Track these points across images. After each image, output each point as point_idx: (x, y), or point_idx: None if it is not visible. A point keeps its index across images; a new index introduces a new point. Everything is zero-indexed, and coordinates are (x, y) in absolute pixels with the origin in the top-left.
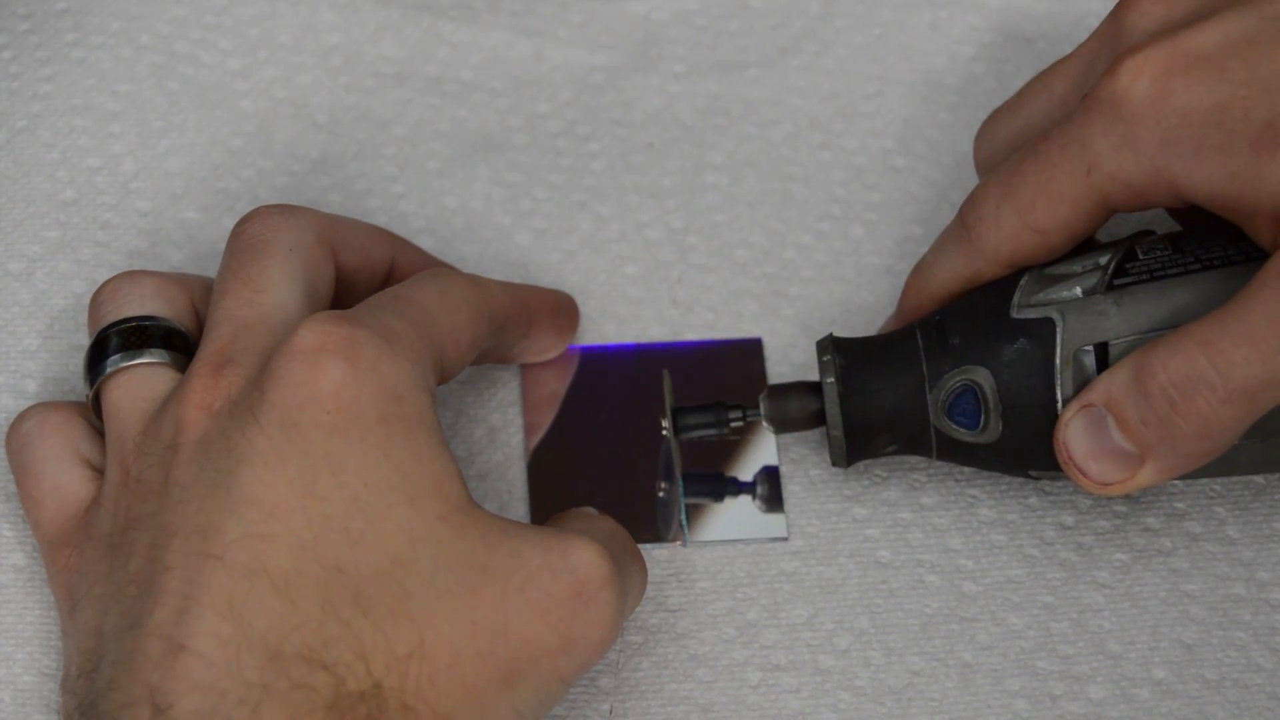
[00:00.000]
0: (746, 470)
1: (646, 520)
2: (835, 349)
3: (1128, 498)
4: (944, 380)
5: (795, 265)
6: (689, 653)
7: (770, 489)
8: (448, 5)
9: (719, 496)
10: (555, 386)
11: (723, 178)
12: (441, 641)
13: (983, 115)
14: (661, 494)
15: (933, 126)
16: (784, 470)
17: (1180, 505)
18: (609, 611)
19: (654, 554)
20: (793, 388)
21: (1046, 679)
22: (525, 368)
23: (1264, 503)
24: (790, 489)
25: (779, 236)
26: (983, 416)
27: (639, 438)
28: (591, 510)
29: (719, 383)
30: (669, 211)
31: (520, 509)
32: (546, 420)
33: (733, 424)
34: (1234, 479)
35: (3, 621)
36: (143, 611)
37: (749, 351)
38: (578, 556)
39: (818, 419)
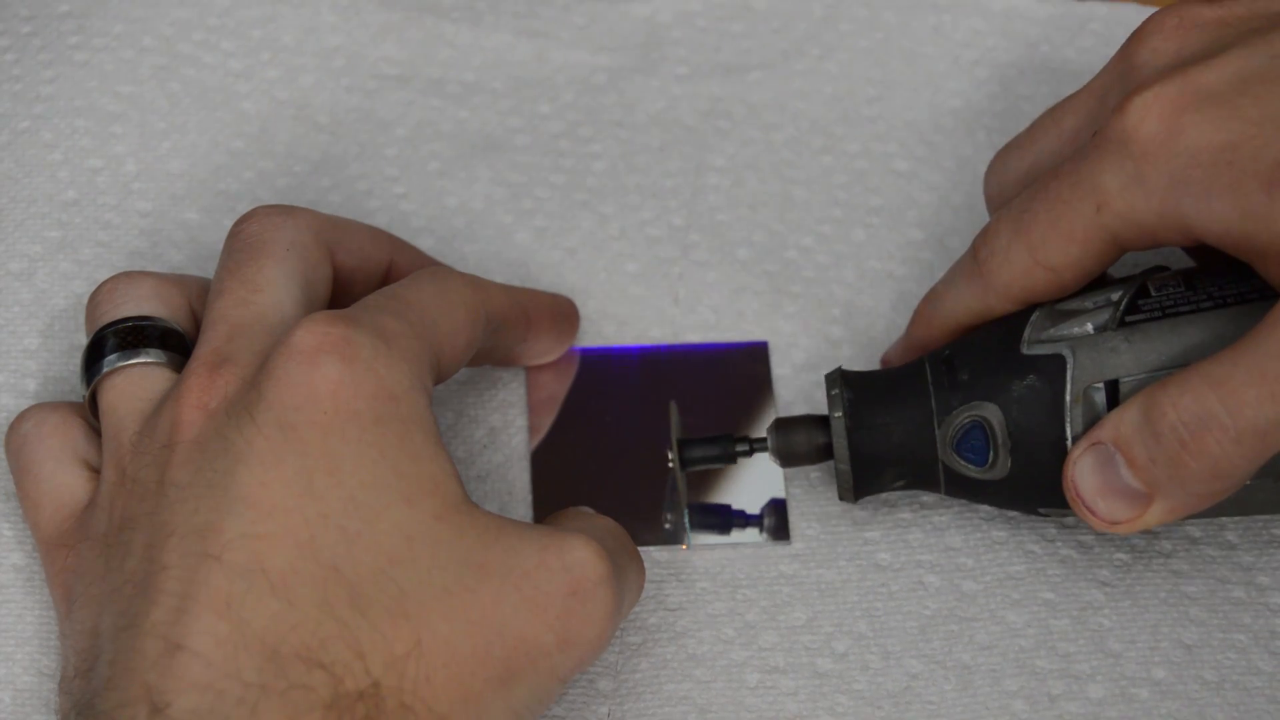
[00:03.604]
0: (753, 500)
1: (648, 522)
2: (844, 383)
3: None
4: (953, 416)
5: (797, 265)
6: (687, 653)
7: (777, 521)
8: (450, 7)
9: (725, 529)
10: (557, 388)
11: (724, 180)
12: (439, 640)
13: (985, 119)
14: (667, 525)
15: (935, 130)
16: (784, 472)
17: None
18: (605, 609)
19: (654, 554)
20: (800, 421)
21: (1046, 678)
22: (529, 370)
23: None
24: (790, 491)
25: (780, 237)
26: (991, 453)
27: (642, 439)
28: (588, 509)
29: (723, 386)
30: (670, 211)
31: (521, 510)
32: (549, 422)
33: (739, 456)
34: None
35: (2, 621)
36: (140, 611)
37: (754, 355)
38: (574, 554)
39: (825, 453)
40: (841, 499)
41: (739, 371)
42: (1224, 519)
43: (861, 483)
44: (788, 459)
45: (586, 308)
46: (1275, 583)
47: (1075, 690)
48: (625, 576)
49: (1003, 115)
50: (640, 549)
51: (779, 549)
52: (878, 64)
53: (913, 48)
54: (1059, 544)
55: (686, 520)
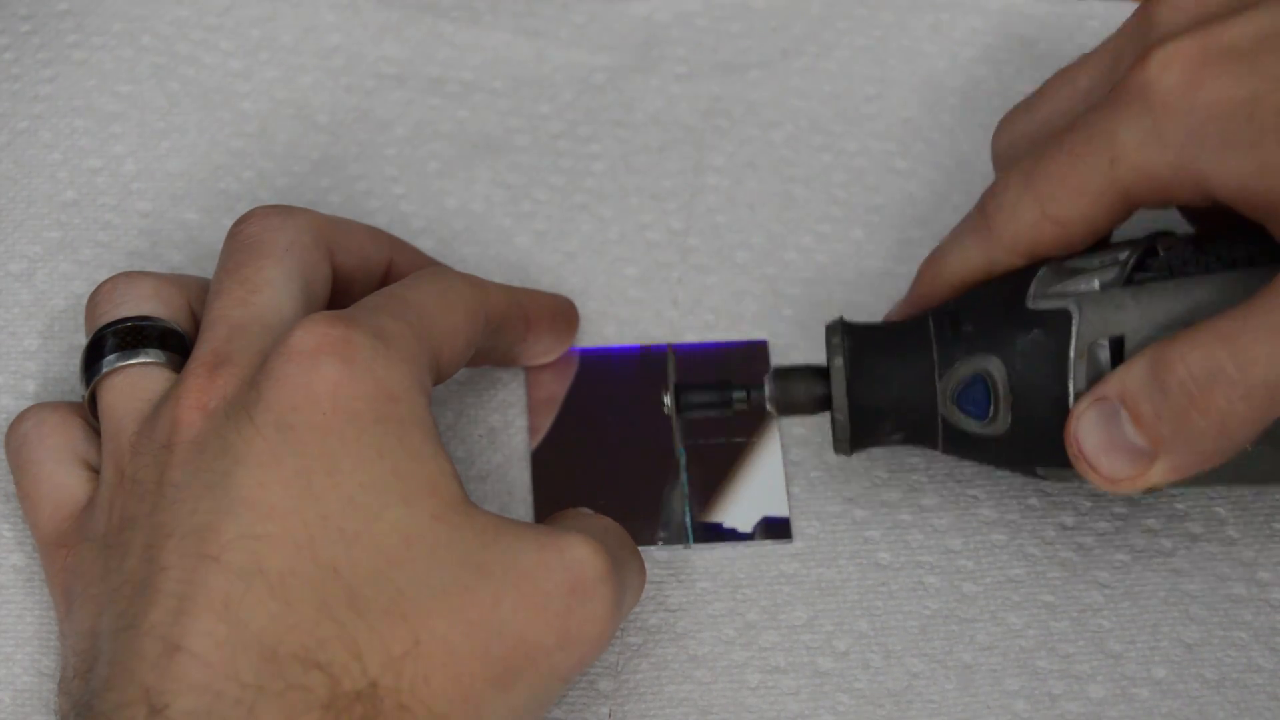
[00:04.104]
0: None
1: (649, 521)
2: (845, 332)
3: (1128, 499)
4: (955, 368)
5: (796, 266)
6: (688, 654)
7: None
8: (449, 6)
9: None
10: (557, 388)
11: (723, 179)
12: (437, 641)
13: (984, 117)
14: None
15: (934, 129)
16: (785, 472)
17: (1180, 506)
18: (605, 607)
19: (654, 554)
20: (799, 370)
21: (1046, 678)
22: (529, 370)
23: (1264, 503)
24: (791, 490)
25: (779, 238)
26: (992, 407)
27: (642, 439)
28: (587, 510)
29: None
30: (669, 213)
31: (520, 510)
32: (549, 422)
33: (736, 405)
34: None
35: (2, 622)
36: (138, 612)
37: (754, 353)
38: (573, 553)
39: (823, 404)
40: (837, 451)
41: (739, 370)
42: (1223, 514)
43: (859, 434)
44: (785, 408)
45: (586, 310)
46: (1276, 579)
47: (1076, 690)
48: (625, 575)
49: (1001, 113)
50: (641, 548)
51: (779, 548)
52: (876, 62)
53: (911, 46)
54: (1058, 546)
55: (688, 519)
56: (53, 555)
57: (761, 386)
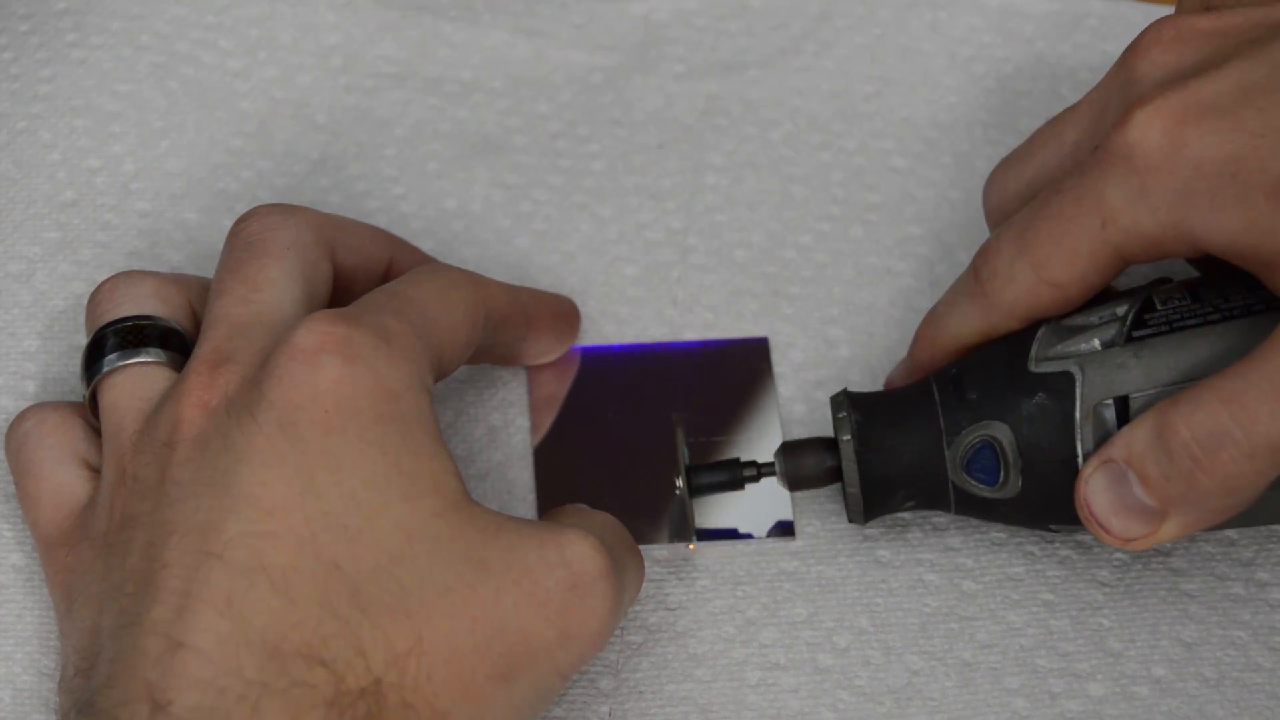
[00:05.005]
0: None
1: (652, 519)
2: (851, 405)
3: None
4: (962, 436)
5: (795, 265)
6: (688, 652)
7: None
8: (448, 5)
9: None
10: (559, 387)
11: (722, 178)
12: (439, 637)
13: (982, 115)
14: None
15: (932, 127)
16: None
17: None
18: (605, 603)
19: (654, 552)
20: (808, 444)
21: (1046, 677)
22: (530, 369)
23: None
24: None
25: (779, 237)
26: (1002, 472)
27: (644, 437)
28: (585, 506)
29: (725, 383)
30: (669, 212)
31: (521, 509)
32: (551, 420)
33: (747, 482)
34: None
35: (2, 621)
36: (141, 609)
37: (755, 351)
38: (573, 549)
39: (834, 476)
40: (851, 521)
41: (740, 367)
42: None
43: (872, 505)
44: (796, 483)
45: (586, 309)
46: (1274, 578)
47: (1076, 688)
48: (625, 571)
49: (999, 111)
50: (642, 547)
51: (780, 546)
52: (875, 61)
53: (910, 44)
54: (1058, 545)
55: (692, 519)
56: (53, 554)
57: (771, 463)
